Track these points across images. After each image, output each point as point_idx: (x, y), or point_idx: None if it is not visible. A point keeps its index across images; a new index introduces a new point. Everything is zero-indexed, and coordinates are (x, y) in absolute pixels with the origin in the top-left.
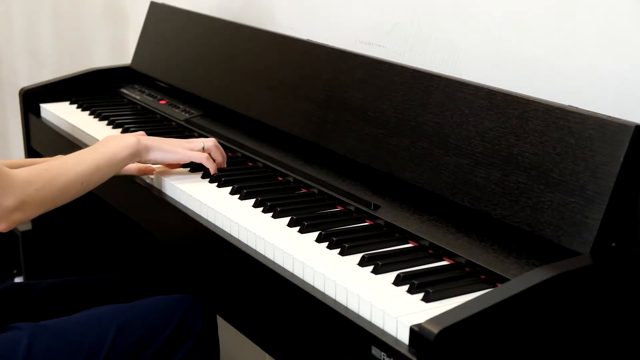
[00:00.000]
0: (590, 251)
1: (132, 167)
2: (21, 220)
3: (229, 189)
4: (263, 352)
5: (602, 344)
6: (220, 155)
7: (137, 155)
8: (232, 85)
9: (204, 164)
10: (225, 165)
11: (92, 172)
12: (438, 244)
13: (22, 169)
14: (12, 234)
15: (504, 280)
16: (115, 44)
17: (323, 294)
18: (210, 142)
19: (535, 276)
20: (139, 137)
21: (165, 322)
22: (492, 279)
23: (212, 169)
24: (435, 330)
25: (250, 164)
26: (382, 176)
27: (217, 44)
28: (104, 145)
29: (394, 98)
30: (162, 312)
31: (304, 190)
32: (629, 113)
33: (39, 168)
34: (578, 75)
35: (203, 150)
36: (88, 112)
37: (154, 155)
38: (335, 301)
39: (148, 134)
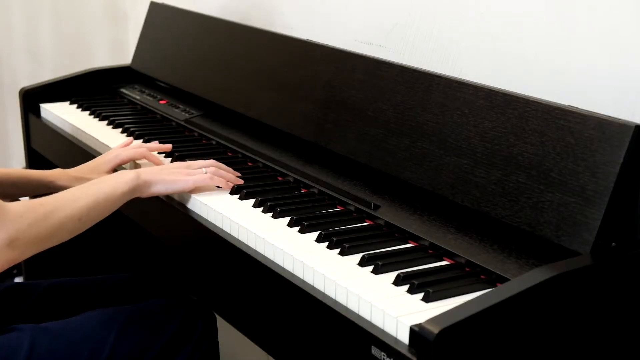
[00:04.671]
0: (590, 251)
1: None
2: (13, 259)
3: (229, 189)
4: (263, 352)
5: (602, 344)
6: (225, 173)
7: (137, 190)
8: (232, 85)
9: (211, 183)
10: (241, 180)
11: (90, 208)
12: (438, 244)
13: (15, 202)
14: None
15: (504, 280)
16: (115, 44)
17: (323, 294)
18: (210, 163)
19: (535, 276)
20: (138, 172)
21: (165, 326)
22: (492, 279)
23: (224, 185)
24: (435, 330)
25: (250, 164)
26: (382, 176)
27: (217, 44)
28: (102, 180)
29: (394, 98)
30: (162, 314)
31: (304, 190)
32: (629, 113)
33: (33, 202)
34: (578, 75)
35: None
36: (88, 112)
37: (156, 189)
38: (335, 301)
39: (148, 134)
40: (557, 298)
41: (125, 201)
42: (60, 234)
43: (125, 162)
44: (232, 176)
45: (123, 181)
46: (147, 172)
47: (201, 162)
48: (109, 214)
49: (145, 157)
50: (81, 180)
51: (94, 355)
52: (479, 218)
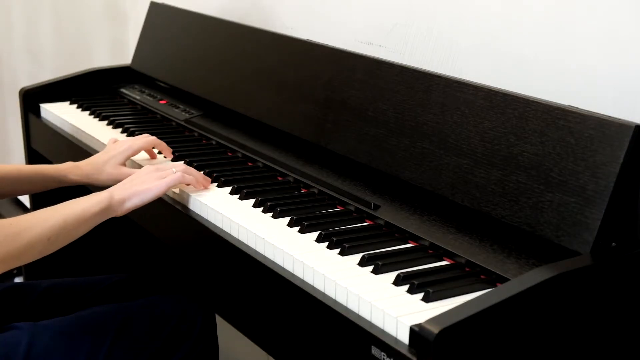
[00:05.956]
0: (590, 251)
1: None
2: None
3: (229, 189)
4: (263, 352)
5: (602, 344)
6: (195, 172)
7: (110, 210)
8: (232, 85)
9: (183, 182)
10: (208, 185)
11: (60, 228)
12: (438, 244)
13: None
14: None
15: (504, 280)
16: (115, 44)
17: (323, 294)
18: (181, 166)
19: (535, 276)
20: (112, 192)
21: (164, 322)
22: (492, 279)
23: (194, 183)
24: (435, 330)
25: (250, 164)
26: (382, 176)
27: (217, 44)
28: (76, 201)
29: (394, 98)
30: (161, 312)
31: (304, 190)
32: (629, 113)
33: (3, 222)
34: (578, 75)
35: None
36: (88, 112)
37: (131, 204)
38: (335, 301)
39: (148, 134)
40: (557, 298)
41: (98, 222)
42: (29, 254)
43: (138, 152)
44: (201, 176)
45: (95, 201)
46: (119, 190)
47: (170, 163)
48: (81, 234)
49: (155, 145)
50: (94, 174)
51: (93, 352)
52: (479, 218)
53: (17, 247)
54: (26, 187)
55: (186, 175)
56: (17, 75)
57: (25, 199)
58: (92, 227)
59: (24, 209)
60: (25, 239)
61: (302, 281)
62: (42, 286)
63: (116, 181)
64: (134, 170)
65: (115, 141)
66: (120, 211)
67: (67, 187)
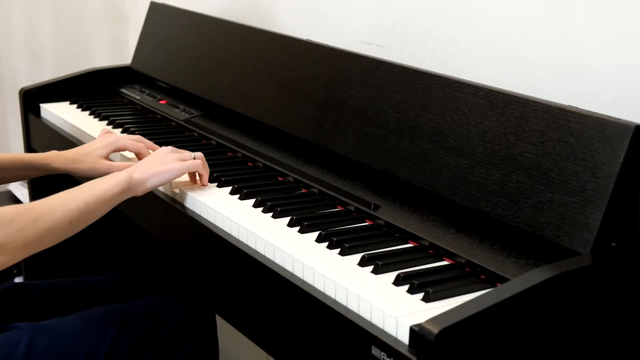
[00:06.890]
0: (590, 251)
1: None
2: (2, 263)
3: (229, 189)
4: (263, 352)
5: (602, 344)
6: (206, 169)
7: (130, 191)
8: (232, 85)
9: (200, 172)
10: (206, 183)
11: (81, 210)
12: (438, 244)
13: (5, 207)
14: None
15: (504, 280)
16: (115, 44)
17: (323, 294)
18: (200, 154)
19: (535, 276)
20: (130, 173)
21: (164, 322)
22: (492, 279)
23: (204, 179)
24: (435, 330)
25: (250, 164)
26: (382, 176)
27: (217, 44)
28: (94, 183)
29: (394, 98)
30: (161, 312)
31: (304, 190)
32: (629, 113)
33: (23, 207)
34: (578, 75)
35: (194, 159)
36: (88, 112)
37: (151, 183)
38: (335, 301)
39: (148, 134)
40: (557, 298)
41: (117, 202)
42: (50, 238)
43: (121, 150)
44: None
45: (114, 182)
46: (139, 170)
47: (187, 152)
48: (101, 215)
49: (140, 154)
50: (76, 162)
51: (93, 352)
52: (479, 218)
53: (37, 232)
54: (7, 175)
55: (204, 167)
56: (17, 75)
57: (25, 199)
58: (112, 208)
59: None
60: (46, 223)
61: (302, 281)
62: (42, 286)
63: (96, 172)
64: (116, 163)
65: (108, 132)
66: (141, 190)
67: (68, 179)
